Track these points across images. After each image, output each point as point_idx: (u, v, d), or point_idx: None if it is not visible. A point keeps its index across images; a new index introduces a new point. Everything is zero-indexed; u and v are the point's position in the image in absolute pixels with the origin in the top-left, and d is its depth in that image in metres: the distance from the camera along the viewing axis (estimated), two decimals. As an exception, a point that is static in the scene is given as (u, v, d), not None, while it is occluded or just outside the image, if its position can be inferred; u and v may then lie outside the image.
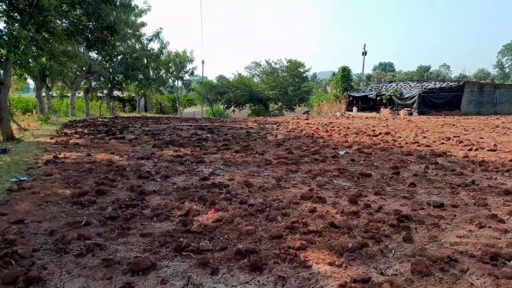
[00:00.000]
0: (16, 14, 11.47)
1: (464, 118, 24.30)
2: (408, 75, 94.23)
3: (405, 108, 31.07)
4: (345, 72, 40.15)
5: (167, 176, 6.76)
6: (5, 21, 11.93)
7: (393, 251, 3.57)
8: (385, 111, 31.96)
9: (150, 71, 37.45)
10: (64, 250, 3.54)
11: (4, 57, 9.07)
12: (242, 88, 46.40)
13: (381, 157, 9.04)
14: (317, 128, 17.00)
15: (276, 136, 13.39)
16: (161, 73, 39.90)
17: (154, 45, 42.17)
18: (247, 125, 19.17)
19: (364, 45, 49.75)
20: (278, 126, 18.69)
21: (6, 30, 7.62)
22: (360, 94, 37.92)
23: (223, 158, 8.65)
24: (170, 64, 40.16)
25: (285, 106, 49.91)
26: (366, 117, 27.77)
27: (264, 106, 49.04)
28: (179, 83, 43.86)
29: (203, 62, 48.12)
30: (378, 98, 34.75)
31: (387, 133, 14.38)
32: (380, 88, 38.29)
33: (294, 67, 49.55)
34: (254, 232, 4.01)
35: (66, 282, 2.99)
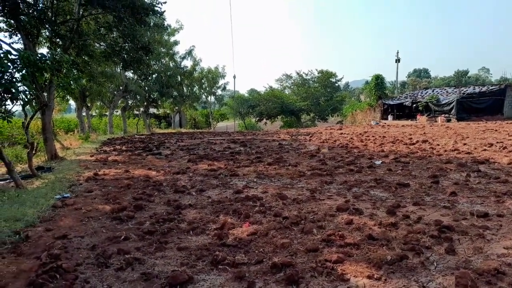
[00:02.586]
0: (58, 39, 12.20)
1: (507, 123, 23.12)
2: (445, 80, 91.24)
3: (443, 115, 30.02)
4: (378, 80, 39.47)
5: (202, 190, 6.86)
6: (48, 47, 12.71)
7: (435, 264, 3.42)
8: (421, 119, 31.01)
9: (184, 88, 38.37)
10: (105, 264, 3.65)
11: (48, 81, 9.64)
12: (274, 101, 46.55)
13: (419, 166, 8.76)
14: (351, 138, 16.74)
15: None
16: (194, 90, 40.79)
17: (187, 63, 43.46)
18: (279, 137, 19.17)
19: (397, 52, 48.90)
20: (311, 137, 18.56)
21: (49, 55, 8.07)
22: (395, 102, 37.06)
23: (256, 171, 8.67)
24: (203, 81, 41.02)
25: (317, 117, 49.51)
26: (402, 125, 27.03)
27: (296, 117, 48.87)
28: (212, 98, 44.67)
29: (234, 76, 49.05)
30: (414, 105, 33.83)
31: (424, 141, 13.92)
32: (416, 95, 37.28)
33: (326, 77, 49.23)
34: (290, 245, 3.98)
35: (107, 295, 3.08)
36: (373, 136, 17.22)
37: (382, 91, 39.51)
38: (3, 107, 7.06)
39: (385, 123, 31.92)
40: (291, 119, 49.11)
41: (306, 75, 50.96)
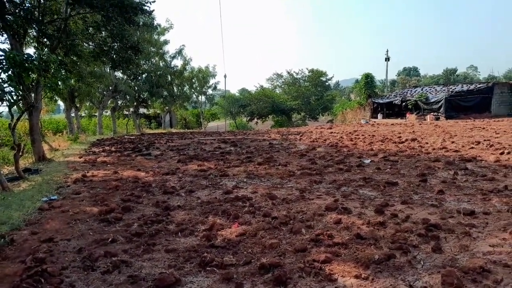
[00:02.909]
0: (45, 39, 12.04)
1: (494, 121, 23.45)
2: (434, 78, 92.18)
3: (432, 113, 30.31)
4: (368, 79, 39.71)
5: (192, 190, 6.82)
6: (35, 47, 12.54)
7: (422, 262, 3.45)
8: (411, 117, 31.28)
9: (174, 88, 38.17)
10: (92, 267, 3.61)
11: (35, 81, 9.51)
12: (264, 100, 46.55)
13: (408, 164, 8.83)
14: (341, 137, 16.82)
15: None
16: (185, 89, 40.59)
17: (177, 62, 43.09)
18: (270, 137, 19.18)
19: (387, 51, 49.20)
20: (301, 136, 18.60)
21: (36, 55, 7.96)
22: (385, 101, 37.32)
23: (246, 171, 8.66)
24: (193, 80, 40.85)
25: (308, 116, 49.62)
26: (392, 124, 27.25)
27: (287, 116, 48.94)
28: (202, 98, 44.52)
29: (225, 76, 49.10)
30: (403, 104, 34.09)
31: (413, 140, 14.04)
32: (405, 93, 37.58)
33: (316, 76, 49.36)
34: (278, 245, 3.98)
35: (93, 299, 3.05)
36: (362, 135, 17.32)
37: (371, 90, 39.76)
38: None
39: (374, 122, 32.14)
40: (282, 119, 49.16)
41: (297, 74, 51.05)
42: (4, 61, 6.62)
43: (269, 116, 49.59)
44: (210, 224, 4.73)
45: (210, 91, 44.28)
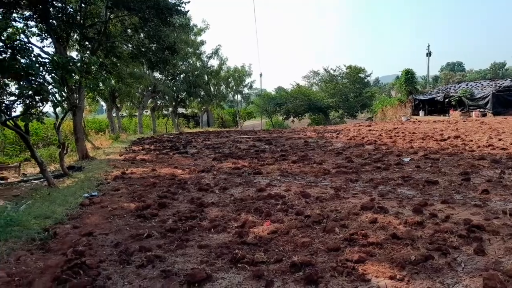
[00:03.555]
0: (86, 42, 12.59)
1: (548, 117, 21.92)
2: (480, 73, 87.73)
3: (478, 109, 28.81)
4: (408, 75, 38.36)
5: (225, 188, 6.88)
6: (77, 49, 13.15)
7: (462, 265, 3.26)
8: (454, 114, 29.92)
9: (211, 87, 38.72)
10: (127, 261, 3.71)
11: (77, 82, 9.96)
12: (301, 98, 46.18)
13: (450, 162, 8.43)
14: (380, 135, 16.36)
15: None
16: (221, 89, 41.10)
17: (214, 62, 43.75)
18: (306, 135, 18.99)
19: (428, 46, 47.41)
20: (338, 134, 18.29)
21: (78, 57, 8.33)
22: (426, 97, 35.92)
23: (280, 169, 8.61)
24: (229, 79, 41.25)
25: (346, 114, 48.72)
26: (434, 121, 26.18)
27: (324, 114, 48.29)
28: (238, 97, 44.85)
29: (261, 75, 49.01)
30: (446, 100, 32.66)
31: (456, 137, 13.41)
32: (448, 89, 35.97)
33: (355, 73, 48.32)
34: (310, 244, 3.91)
35: (127, 292, 3.13)
36: (402, 133, 16.75)
37: (412, 86, 38.37)
38: (37, 108, 7.34)
39: (416, 119, 31.00)
40: (319, 117, 48.58)
41: (334, 71, 50.22)
42: (48, 63, 6.95)
43: (306, 114, 49.17)
44: (242, 221, 4.74)
45: (246, 90, 44.58)
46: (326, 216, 4.83)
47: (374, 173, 7.75)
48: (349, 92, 47.97)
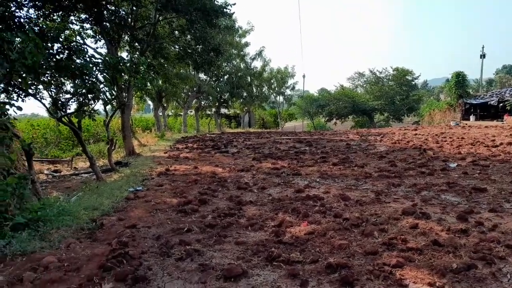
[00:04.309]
0: (136, 43, 13.17)
1: None
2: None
3: (536, 115, 26.92)
4: (459, 78, 36.50)
5: (264, 187, 6.94)
6: (127, 50, 13.78)
7: (508, 276, 3.10)
8: (509, 119, 28.14)
9: (254, 88, 38.99)
10: (167, 253, 3.86)
11: (127, 82, 10.44)
12: (344, 100, 45.29)
13: (501, 170, 7.97)
14: (426, 139, 15.74)
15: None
16: (263, 90, 41.25)
17: (257, 63, 44.04)
18: (348, 137, 18.66)
19: (483, 47, 44.93)
20: (382, 137, 17.80)
21: (128, 58, 8.74)
22: (478, 101, 34.04)
23: (320, 171, 8.54)
24: (272, 81, 41.33)
25: (391, 117, 47.17)
26: (486, 126, 24.75)
27: (369, 117, 47.07)
28: (280, 98, 44.83)
29: (304, 76, 48.69)
30: (501, 104, 30.78)
31: (510, 143, 12.62)
32: (503, 93, 33.87)
33: (402, 75, 46.67)
34: (348, 246, 3.87)
35: (167, 283, 3.26)
36: (450, 138, 16.01)
37: (463, 90, 36.47)
38: (89, 106, 7.78)
39: (466, 124, 29.47)
40: (363, 119, 47.43)
41: (380, 73, 48.74)
42: (101, 63, 7.34)
43: (349, 116, 48.15)
44: (279, 220, 4.77)
45: (288, 91, 44.42)
46: (365, 219, 4.75)
47: (418, 178, 7.50)
48: (395, 95, 46.41)
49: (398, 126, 34.50)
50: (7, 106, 5.04)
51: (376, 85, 48.64)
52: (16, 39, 5.18)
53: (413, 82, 49.03)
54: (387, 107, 45.67)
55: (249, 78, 36.81)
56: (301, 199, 5.97)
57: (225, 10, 14.04)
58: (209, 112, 40.45)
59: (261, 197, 6.27)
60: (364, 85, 51.77)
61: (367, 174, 8.01)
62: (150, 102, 31.12)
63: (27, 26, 7.39)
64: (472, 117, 33.41)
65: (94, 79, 7.24)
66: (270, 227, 4.63)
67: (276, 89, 42.50)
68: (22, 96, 6.56)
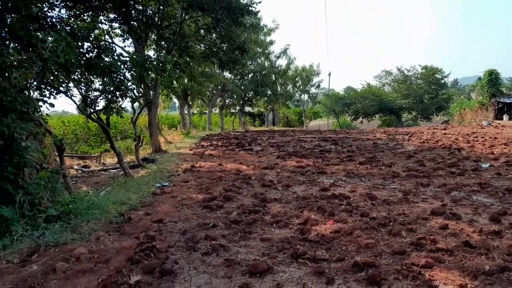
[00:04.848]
0: (163, 42, 13.39)
1: None
2: None
3: None
4: (492, 76, 35.14)
5: (288, 185, 6.91)
6: (154, 49, 14.03)
7: (546, 280, 2.96)
8: (546, 119, 26.92)
9: (278, 87, 38.84)
10: (193, 248, 3.91)
11: (153, 80, 10.64)
12: (371, 98, 44.48)
13: (538, 171, 7.64)
14: (456, 139, 15.27)
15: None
16: (288, 88, 41.05)
17: (282, 61, 43.80)
18: (375, 136, 18.33)
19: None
20: (410, 136, 17.40)
21: (154, 56, 8.88)
22: (513, 100, 32.74)
23: (346, 170, 8.43)
24: (297, 79, 41.02)
25: (420, 116, 45.98)
26: (520, 126, 23.78)
27: (396, 116, 46.06)
28: (305, 96, 44.50)
29: (329, 74, 47.72)
30: (538, 103, 29.48)
31: (547, 144, 12.08)
32: (541, 91, 32.42)
33: (430, 74, 45.42)
34: (375, 246, 3.80)
35: (193, 277, 3.29)
36: (482, 137, 15.47)
37: (496, 88, 35.11)
38: (117, 103, 7.96)
39: (499, 124, 28.39)
40: (390, 118, 46.45)
41: (408, 71, 47.58)
42: (128, 62, 7.50)
43: (376, 115, 47.27)
44: (304, 218, 4.73)
45: (313, 90, 43.97)
46: (392, 219, 4.65)
47: (448, 178, 7.28)
48: (424, 94, 45.20)
49: (427, 126, 33.63)
50: (40, 103, 5.22)
51: (404, 83, 47.52)
52: (49, 38, 5.34)
53: (443, 81, 47.63)
54: (415, 106, 44.56)
55: (273, 76, 36.67)
56: (326, 197, 5.91)
57: (250, 8, 14.06)
58: (233, 110, 40.62)
59: (285, 194, 6.24)
60: (392, 84, 50.65)
61: (394, 173, 7.84)
62: (175, 100, 31.55)
63: (58, 26, 7.61)
64: (505, 117, 32.15)
65: (122, 77, 7.40)
66: (295, 224, 4.60)
67: (301, 87, 42.14)
68: (54, 94, 6.77)
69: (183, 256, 3.74)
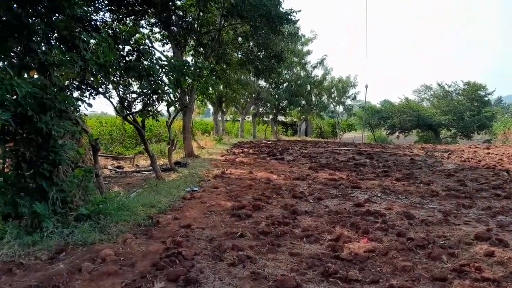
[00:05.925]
0: (201, 48, 13.56)
1: None
2: None
3: None
4: (541, 94, 33.25)
5: (320, 198, 6.68)
6: (192, 54, 14.22)
7: None
8: None
9: (313, 97, 38.49)
10: (220, 257, 3.79)
11: (190, 85, 10.74)
12: (409, 113, 43.15)
13: None
14: (500, 159, 14.41)
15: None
16: (322, 99, 40.62)
17: (318, 72, 43.32)
18: (412, 152, 17.67)
19: None
20: (449, 154, 16.64)
21: (192, 62, 8.95)
22: None
23: (381, 185, 8.09)
24: (332, 90, 40.54)
25: (460, 133, 44.09)
26: None
27: (434, 132, 44.42)
28: (340, 108, 43.86)
29: (366, 86, 46.84)
30: None
31: None
32: None
33: (473, 90, 43.59)
34: (412, 269, 3.54)
35: (217, 288, 3.16)
36: (530, 159, 14.52)
37: (545, 107, 33.18)
38: (153, 106, 8.05)
39: (548, 145, 26.72)
40: (428, 134, 44.87)
41: (449, 86, 45.88)
42: (166, 66, 7.57)
43: (413, 130, 45.84)
44: (337, 234, 4.51)
45: (348, 101, 43.30)
46: (431, 241, 4.34)
47: (492, 201, 6.80)
48: (465, 110, 43.38)
49: (467, 144, 32.18)
50: (79, 102, 5.31)
51: (444, 99, 45.85)
52: (91, 40, 5.46)
53: (486, 98, 45.60)
54: (455, 122, 42.81)
55: (308, 86, 36.39)
56: (360, 213, 5.64)
57: (289, 17, 13.98)
58: (266, 119, 40.57)
59: (317, 208, 6.03)
60: (431, 99, 49.05)
61: (433, 192, 7.44)
62: (210, 106, 31.91)
63: (101, 29, 7.82)
64: (556, 138, 30.24)
65: (159, 81, 7.47)
66: (327, 240, 4.39)
67: (336, 98, 41.61)
68: (93, 94, 6.92)
69: (208, 265, 3.63)
